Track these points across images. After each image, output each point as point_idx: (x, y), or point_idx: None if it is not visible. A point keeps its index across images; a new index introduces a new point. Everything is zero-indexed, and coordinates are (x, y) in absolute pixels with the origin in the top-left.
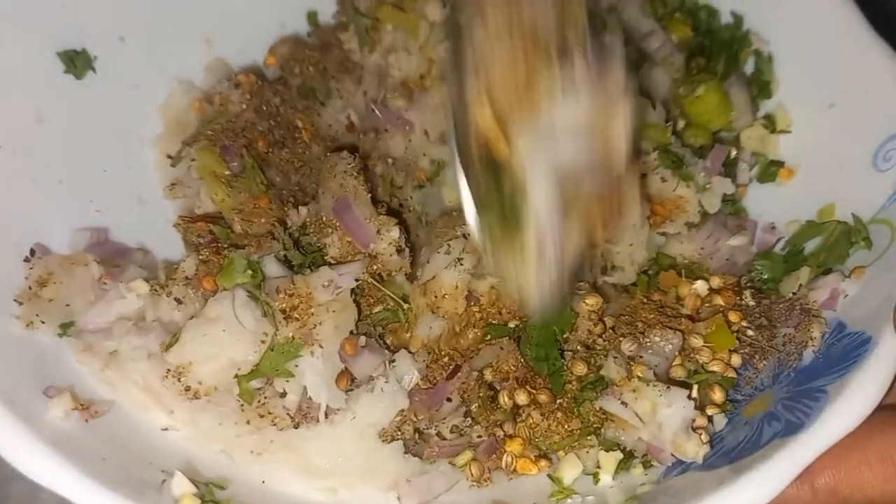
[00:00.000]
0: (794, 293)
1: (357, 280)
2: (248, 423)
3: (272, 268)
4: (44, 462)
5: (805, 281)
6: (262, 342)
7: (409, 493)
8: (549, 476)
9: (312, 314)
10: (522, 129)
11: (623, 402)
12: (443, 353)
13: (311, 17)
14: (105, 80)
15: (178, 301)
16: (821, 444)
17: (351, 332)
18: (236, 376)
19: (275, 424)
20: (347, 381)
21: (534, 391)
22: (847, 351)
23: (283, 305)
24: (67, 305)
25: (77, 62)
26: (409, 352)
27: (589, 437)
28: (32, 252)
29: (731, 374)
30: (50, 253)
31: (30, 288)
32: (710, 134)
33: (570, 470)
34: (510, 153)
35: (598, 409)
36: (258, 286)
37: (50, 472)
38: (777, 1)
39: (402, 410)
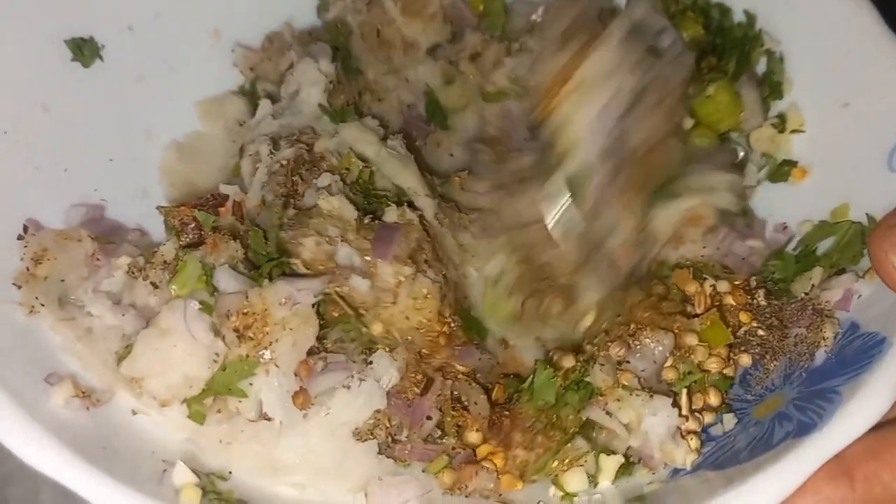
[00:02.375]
0: (806, 293)
1: (317, 296)
2: (218, 411)
3: (225, 282)
4: (44, 450)
5: (817, 281)
6: (215, 361)
7: (378, 494)
8: (554, 482)
9: (267, 333)
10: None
11: (607, 412)
12: (412, 371)
13: (322, 7)
14: (112, 69)
15: (155, 286)
16: (835, 445)
17: (314, 346)
18: (185, 400)
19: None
20: (306, 400)
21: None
22: (861, 352)
23: (237, 324)
24: (62, 281)
25: (85, 50)
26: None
27: (576, 444)
28: (25, 228)
29: (730, 371)
30: (42, 228)
31: (27, 269)
32: (716, 134)
33: (574, 483)
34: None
35: (577, 415)
36: (212, 295)
37: (50, 460)
38: None
39: (379, 411)
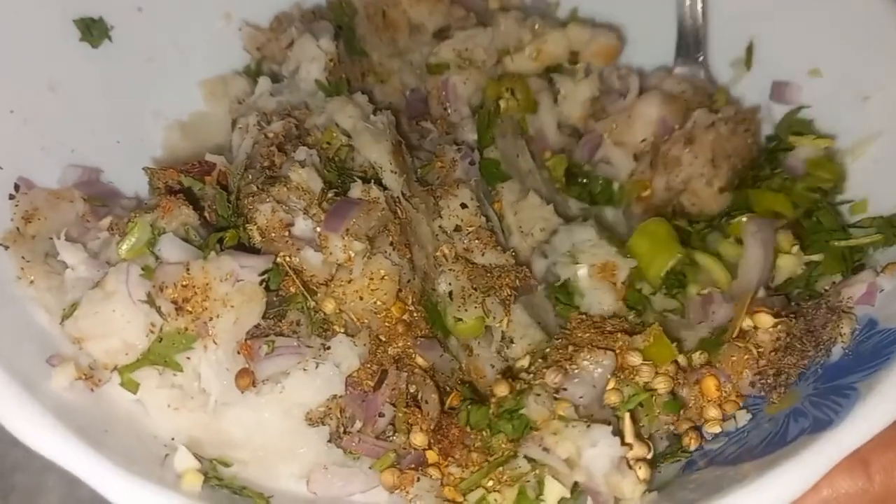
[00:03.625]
0: (825, 289)
1: (263, 274)
2: (174, 374)
3: (168, 250)
4: (46, 433)
5: (838, 278)
6: (151, 331)
7: (321, 481)
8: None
9: (206, 308)
10: None
11: (545, 448)
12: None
13: None
14: (121, 50)
15: None
16: (851, 442)
17: (257, 326)
18: (115, 367)
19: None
20: (250, 381)
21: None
22: (879, 348)
23: (175, 296)
24: (50, 239)
25: (93, 30)
26: (348, 335)
27: (516, 463)
28: (17, 187)
29: (665, 386)
30: (34, 187)
31: (17, 228)
32: None
33: (553, 493)
34: None
35: (510, 443)
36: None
37: (52, 443)
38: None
39: (336, 396)
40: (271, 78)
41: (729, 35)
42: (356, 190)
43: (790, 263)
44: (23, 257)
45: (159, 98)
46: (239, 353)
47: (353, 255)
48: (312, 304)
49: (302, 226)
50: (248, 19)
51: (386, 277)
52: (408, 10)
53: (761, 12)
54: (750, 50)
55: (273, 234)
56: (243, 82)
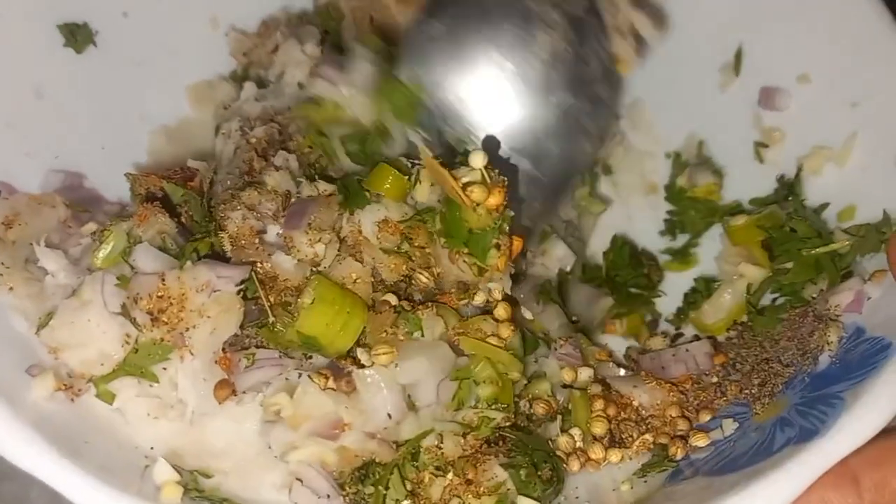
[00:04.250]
0: (813, 297)
1: (239, 284)
2: (151, 385)
3: (143, 260)
4: (26, 445)
5: (825, 286)
6: (126, 342)
7: (302, 492)
8: None
9: (182, 319)
10: None
11: None
12: None
13: None
14: (106, 55)
15: None
16: (838, 452)
17: (236, 335)
18: (90, 379)
19: None
20: (229, 392)
21: None
22: (865, 357)
23: (150, 307)
24: (31, 245)
25: (78, 36)
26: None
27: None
28: None
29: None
30: (16, 192)
31: None
32: None
33: None
34: None
35: None
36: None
37: (30, 455)
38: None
39: None
40: (258, 83)
41: (718, 41)
42: (305, 189)
43: (754, 273)
44: (2, 263)
45: (145, 103)
46: (217, 363)
47: (322, 249)
48: (272, 319)
49: (273, 232)
50: (236, 24)
51: (358, 281)
52: (396, 15)
53: (751, 18)
54: (739, 56)
55: (243, 242)
56: (230, 87)
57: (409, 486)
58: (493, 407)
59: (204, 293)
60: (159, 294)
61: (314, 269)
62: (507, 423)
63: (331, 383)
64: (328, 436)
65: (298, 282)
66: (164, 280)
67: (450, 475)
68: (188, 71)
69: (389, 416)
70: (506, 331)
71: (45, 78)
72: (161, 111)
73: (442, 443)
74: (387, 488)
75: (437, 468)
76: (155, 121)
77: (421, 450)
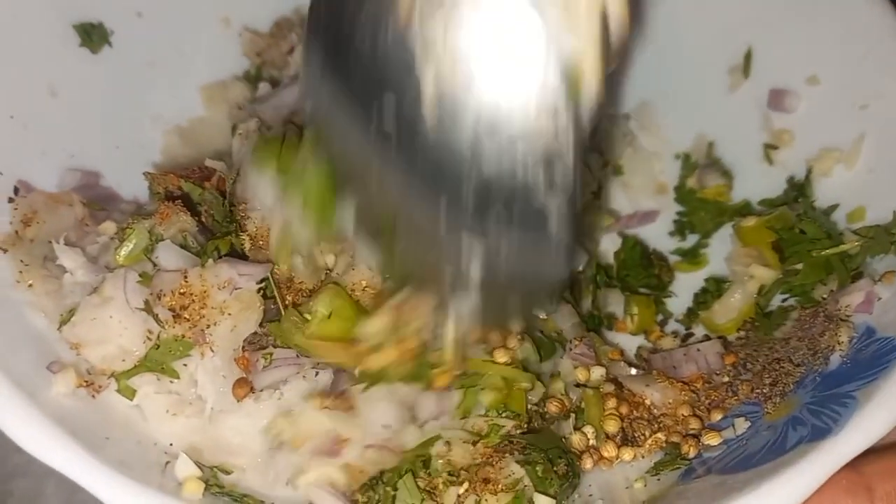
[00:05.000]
0: (824, 298)
1: (260, 282)
2: (171, 381)
3: (166, 258)
4: (47, 440)
5: (835, 287)
6: (148, 338)
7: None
8: None
9: (204, 315)
10: None
11: None
12: None
13: None
14: (121, 55)
15: None
16: (851, 450)
17: (255, 334)
18: (112, 374)
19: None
20: (247, 391)
21: None
22: (877, 356)
23: (172, 304)
24: (49, 243)
25: (93, 35)
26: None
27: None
28: (16, 190)
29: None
30: (33, 190)
31: (15, 232)
32: None
33: None
34: None
35: None
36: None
37: (52, 450)
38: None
39: None
40: (271, 83)
41: (727, 42)
42: None
43: (764, 274)
44: (21, 261)
45: (159, 103)
46: (236, 362)
47: (332, 260)
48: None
49: None
50: (248, 25)
51: (367, 288)
52: None
53: (760, 20)
54: (748, 57)
55: (261, 243)
56: (243, 87)
57: (423, 493)
58: (504, 415)
59: (225, 290)
60: (182, 291)
61: (328, 272)
62: (519, 431)
63: (328, 402)
64: (330, 452)
65: (313, 284)
66: (186, 277)
67: (465, 485)
68: (201, 71)
69: (389, 426)
70: (506, 356)
71: (60, 77)
72: (174, 110)
73: (451, 450)
74: (395, 489)
75: (451, 474)
76: (168, 120)
77: (432, 457)
